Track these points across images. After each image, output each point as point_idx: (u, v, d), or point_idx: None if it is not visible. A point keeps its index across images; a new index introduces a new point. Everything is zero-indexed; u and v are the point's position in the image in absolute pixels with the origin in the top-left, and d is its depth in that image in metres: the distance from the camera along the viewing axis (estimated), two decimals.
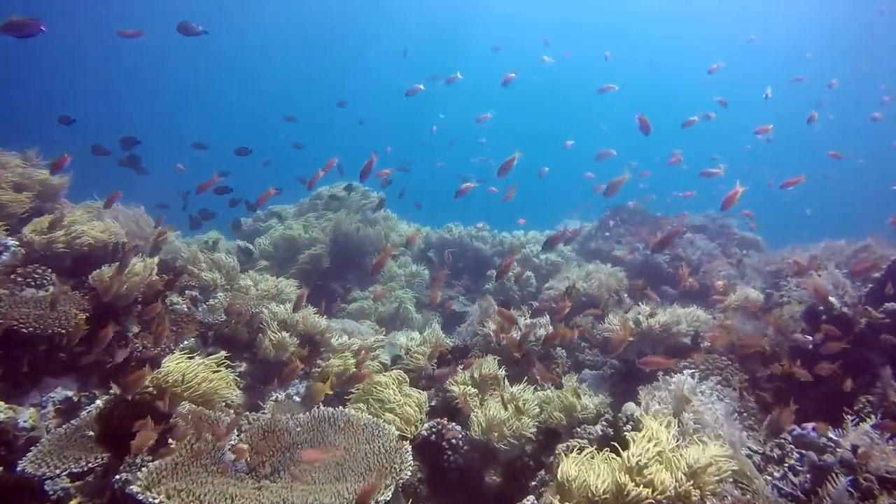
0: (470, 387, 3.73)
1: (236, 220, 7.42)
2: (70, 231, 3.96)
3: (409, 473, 2.59)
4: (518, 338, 3.98)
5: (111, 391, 3.21)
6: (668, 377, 3.27)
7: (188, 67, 32.21)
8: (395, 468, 2.54)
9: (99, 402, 3.29)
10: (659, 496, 1.91)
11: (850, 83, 8.98)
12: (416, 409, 3.49)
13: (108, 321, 3.23)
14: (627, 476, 1.95)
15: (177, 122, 31.13)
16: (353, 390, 3.65)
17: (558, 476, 2.17)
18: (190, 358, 3.17)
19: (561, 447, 3.01)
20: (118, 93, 33.14)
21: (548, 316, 4.63)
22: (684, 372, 3.40)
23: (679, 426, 2.66)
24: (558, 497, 2.15)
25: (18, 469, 2.39)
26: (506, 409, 3.30)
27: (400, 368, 4.23)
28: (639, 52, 26.74)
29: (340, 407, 3.20)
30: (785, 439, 2.54)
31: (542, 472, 3.18)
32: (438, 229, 8.26)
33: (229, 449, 2.57)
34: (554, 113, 32.61)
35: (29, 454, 2.50)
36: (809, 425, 2.48)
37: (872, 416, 2.66)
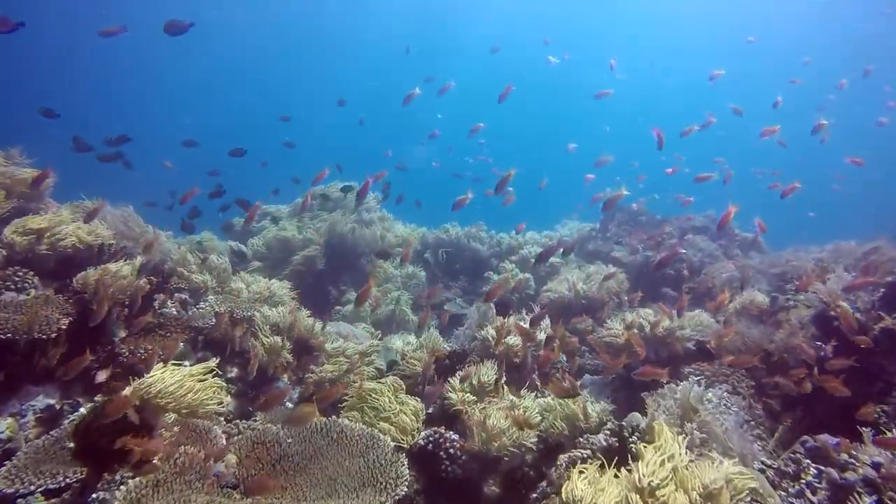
0: (469, 394, 3.61)
1: (227, 221, 7.28)
2: (54, 232, 3.81)
3: (406, 489, 2.47)
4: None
5: (96, 399, 3.09)
6: (673, 385, 3.15)
7: (185, 67, 32.02)
8: (390, 483, 2.41)
9: (83, 410, 3.16)
10: None
11: (855, 84, 8.88)
12: (413, 417, 3.36)
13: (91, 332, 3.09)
14: (639, 497, 1.83)
15: (170, 120, 30.90)
16: (347, 398, 3.52)
17: (563, 496, 2.05)
18: (178, 365, 3.05)
19: (563, 458, 2.89)
20: (115, 92, 32.97)
21: (548, 319, 4.52)
22: (690, 379, 3.29)
23: (686, 438, 2.55)
24: None
25: None
26: (506, 417, 3.18)
27: (396, 374, 4.11)
28: (638, 53, 26.71)
29: (333, 416, 3.07)
30: (799, 452, 2.42)
31: (544, 483, 3.07)
32: (435, 230, 8.14)
33: (215, 463, 2.44)
34: (554, 112, 32.53)
35: (2, 469, 2.37)
36: (830, 440, 2.35)
37: (890, 427, 2.55)
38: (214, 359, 3.11)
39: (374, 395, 3.41)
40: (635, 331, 4.11)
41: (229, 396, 3.87)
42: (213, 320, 4.14)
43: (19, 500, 2.18)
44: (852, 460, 2.19)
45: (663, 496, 1.80)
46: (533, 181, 7.80)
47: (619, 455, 2.72)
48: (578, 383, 3.89)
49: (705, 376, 3.53)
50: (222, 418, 3.33)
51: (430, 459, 3.19)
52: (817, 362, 2.97)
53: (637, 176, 11.18)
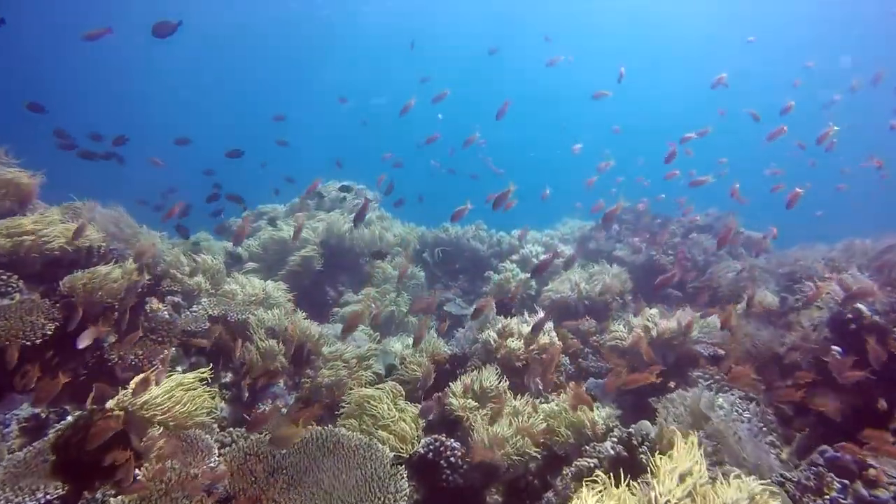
0: (470, 400, 3.49)
1: (222, 223, 7.14)
2: (41, 234, 3.68)
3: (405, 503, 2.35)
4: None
5: (85, 407, 2.97)
6: (683, 391, 3.03)
7: (183, 65, 31.82)
8: (389, 499, 2.29)
9: (70, 419, 3.04)
10: None
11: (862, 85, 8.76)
12: (413, 424, 3.24)
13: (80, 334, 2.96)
14: None
15: (165, 119, 30.69)
16: (344, 405, 3.40)
17: None
18: (168, 373, 2.92)
19: (569, 469, 2.77)
20: (114, 92, 32.80)
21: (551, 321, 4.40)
22: (700, 385, 3.17)
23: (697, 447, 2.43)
24: None
25: None
26: (510, 425, 3.07)
27: (395, 379, 3.99)
28: (639, 53, 26.58)
29: (330, 426, 2.95)
30: (819, 464, 2.29)
31: (550, 493, 2.95)
32: (434, 229, 8.00)
33: (207, 475, 2.31)
34: (555, 112, 32.35)
35: None
36: (849, 457, 2.22)
37: None
38: (207, 366, 3.01)
39: (372, 402, 3.29)
40: (642, 334, 3.99)
41: (223, 402, 3.76)
42: (207, 324, 4.01)
43: None
44: (880, 473, 2.06)
45: None
46: (533, 180, 7.69)
47: (627, 466, 2.60)
48: (584, 388, 3.77)
49: (715, 381, 3.41)
50: (216, 425, 3.21)
51: (431, 468, 3.07)
52: (835, 367, 2.84)
53: (636, 177, 11.10)
